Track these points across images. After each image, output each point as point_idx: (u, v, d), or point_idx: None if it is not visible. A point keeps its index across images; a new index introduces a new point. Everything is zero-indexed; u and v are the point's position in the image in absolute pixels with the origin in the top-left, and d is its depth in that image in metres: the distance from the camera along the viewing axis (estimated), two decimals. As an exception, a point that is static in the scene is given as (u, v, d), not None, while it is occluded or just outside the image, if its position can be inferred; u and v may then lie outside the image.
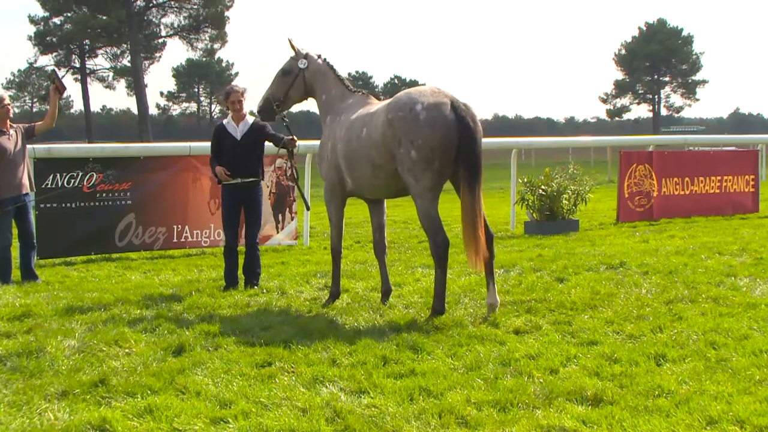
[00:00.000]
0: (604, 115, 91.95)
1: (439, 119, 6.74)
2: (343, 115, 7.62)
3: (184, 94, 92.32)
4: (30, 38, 59.58)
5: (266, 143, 8.75)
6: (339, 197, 7.72)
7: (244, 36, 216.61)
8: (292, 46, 8.00)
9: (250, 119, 8.71)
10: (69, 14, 58.41)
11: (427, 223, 6.98)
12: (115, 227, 10.96)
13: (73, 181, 10.61)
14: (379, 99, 7.68)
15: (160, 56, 64.45)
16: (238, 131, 8.64)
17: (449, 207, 7.39)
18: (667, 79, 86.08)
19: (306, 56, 7.98)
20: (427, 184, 6.84)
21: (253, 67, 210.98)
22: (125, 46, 59.87)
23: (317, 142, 12.80)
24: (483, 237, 6.78)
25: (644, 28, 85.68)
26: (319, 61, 7.98)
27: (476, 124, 6.87)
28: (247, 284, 8.62)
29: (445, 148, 6.75)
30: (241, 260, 8.85)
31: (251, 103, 8.90)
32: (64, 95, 9.35)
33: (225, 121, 8.81)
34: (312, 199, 15.03)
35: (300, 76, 7.99)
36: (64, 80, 9.66)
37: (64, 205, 10.60)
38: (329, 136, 7.67)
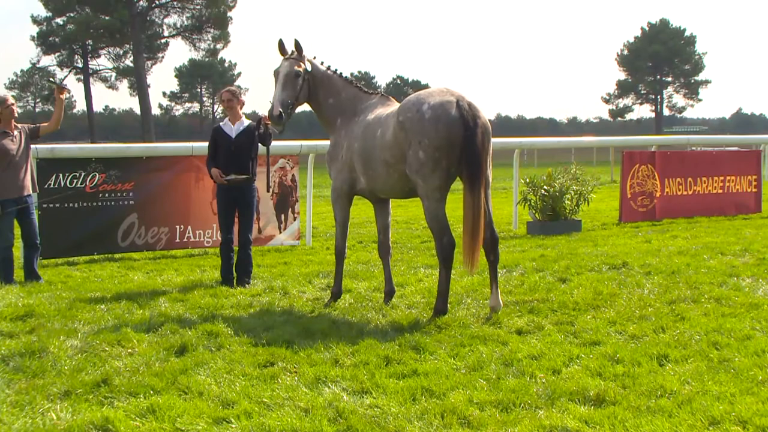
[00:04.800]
0: (606, 116, 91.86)
1: (443, 118, 6.73)
2: (361, 115, 7.62)
3: (186, 95, 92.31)
4: (33, 38, 59.61)
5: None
6: (346, 197, 7.73)
7: (247, 36, 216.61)
8: (296, 47, 7.71)
9: (246, 121, 8.96)
10: (72, 14, 58.36)
11: (434, 224, 6.98)
12: (117, 227, 10.96)
13: (75, 181, 10.62)
14: (398, 101, 7.63)
15: (162, 56, 64.44)
16: (233, 130, 8.88)
17: (451, 207, 7.39)
18: (669, 79, 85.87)
19: (308, 60, 7.81)
20: (435, 184, 6.84)
21: (256, 67, 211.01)
22: (128, 46, 59.86)
23: (318, 143, 12.99)
24: (480, 240, 6.77)
25: (647, 29, 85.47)
26: (318, 63, 7.90)
27: (477, 124, 6.77)
28: (239, 282, 8.79)
29: (451, 146, 6.73)
30: (234, 259, 8.98)
31: (249, 105, 9.00)
32: (65, 96, 9.34)
33: (222, 123, 9.07)
34: (315, 200, 15.10)
35: (306, 78, 7.79)
36: (65, 81, 9.72)
37: (66, 205, 10.60)
38: (345, 137, 7.63)
